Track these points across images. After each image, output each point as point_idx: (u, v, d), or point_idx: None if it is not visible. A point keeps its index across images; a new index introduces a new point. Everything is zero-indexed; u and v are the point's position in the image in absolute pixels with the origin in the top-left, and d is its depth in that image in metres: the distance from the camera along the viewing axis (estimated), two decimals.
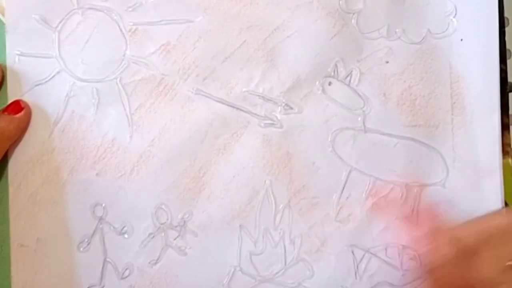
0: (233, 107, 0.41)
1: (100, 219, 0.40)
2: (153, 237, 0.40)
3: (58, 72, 0.40)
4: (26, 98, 0.39)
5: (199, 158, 0.41)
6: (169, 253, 0.40)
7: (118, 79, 0.40)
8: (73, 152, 0.40)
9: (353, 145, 0.42)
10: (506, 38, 0.44)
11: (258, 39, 0.42)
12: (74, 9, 0.40)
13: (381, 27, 0.43)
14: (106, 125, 0.40)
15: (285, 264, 0.41)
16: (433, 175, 0.43)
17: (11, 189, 0.39)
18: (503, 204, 0.43)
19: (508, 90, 0.44)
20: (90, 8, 0.40)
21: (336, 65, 0.43)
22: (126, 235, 0.40)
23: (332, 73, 0.42)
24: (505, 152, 0.44)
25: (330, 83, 0.42)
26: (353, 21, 0.43)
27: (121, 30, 0.41)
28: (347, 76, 0.43)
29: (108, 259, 0.40)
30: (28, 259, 0.39)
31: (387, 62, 0.43)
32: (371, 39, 0.43)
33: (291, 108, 0.41)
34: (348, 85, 0.43)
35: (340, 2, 0.43)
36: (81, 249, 0.39)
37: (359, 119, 0.42)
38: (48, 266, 0.39)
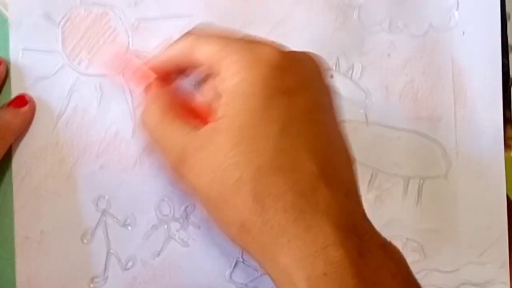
0: None
1: (104, 211, 0.40)
2: (156, 229, 0.40)
3: (61, 67, 0.40)
4: (30, 92, 0.39)
5: None
6: (172, 245, 0.40)
7: (121, 73, 0.40)
8: (77, 146, 0.40)
9: (355, 138, 0.42)
10: (508, 33, 0.44)
11: (259, 34, 0.41)
12: (77, 5, 0.40)
13: (382, 20, 0.43)
14: (109, 119, 0.40)
15: None
16: (435, 168, 0.43)
17: (15, 182, 0.39)
18: (506, 198, 0.43)
19: (510, 84, 0.44)
20: (93, 4, 0.41)
21: (338, 59, 0.43)
22: (129, 227, 0.40)
23: (334, 67, 0.43)
24: (507, 146, 0.44)
25: (332, 77, 0.42)
26: (354, 14, 0.43)
27: (123, 25, 0.41)
28: (349, 70, 0.43)
29: (111, 251, 0.40)
30: (32, 251, 0.39)
31: (389, 55, 0.43)
32: (373, 33, 0.43)
33: None
34: (350, 78, 0.43)
35: None
36: (85, 241, 0.39)
37: (361, 112, 0.42)
38: (52, 258, 0.39)
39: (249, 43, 0.32)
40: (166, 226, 0.40)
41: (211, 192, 0.30)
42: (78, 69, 0.40)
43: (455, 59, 0.44)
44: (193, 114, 0.35)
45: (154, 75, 0.36)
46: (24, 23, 0.40)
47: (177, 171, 0.32)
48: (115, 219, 0.40)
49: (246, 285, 0.41)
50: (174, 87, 0.37)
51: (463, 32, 0.44)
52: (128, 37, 0.41)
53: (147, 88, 0.36)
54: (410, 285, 0.29)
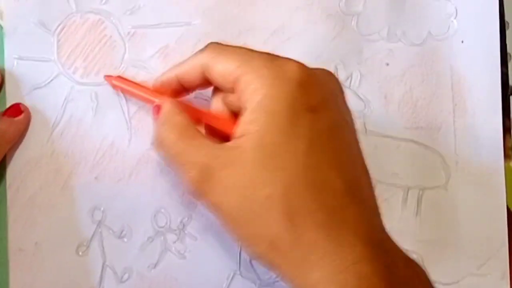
0: None
1: (99, 223, 0.39)
2: (152, 240, 0.39)
3: (56, 76, 0.40)
4: (25, 101, 0.39)
5: None
6: (168, 256, 0.39)
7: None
8: (72, 156, 0.39)
9: None
10: (507, 42, 0.44)
11: (257, 42, 0.41)
12: (72, 13, 0.40)
13: (381, 29, 0.43)
14: (105, 129, 0.40)
15: None
16: (435, 178, 0.43)
17: (9, 193, 0.39)
18: (506, 208, 0.43)
19: (509, 93, 0.44)
20: (88, 12, 0.40)
21: (336, 68, 0.42)
22: (125, 239, 0.39)
23: None
24: (506, 156, 0.43)
25: None
26: (353, 23, 0.43)
27: (119, 33, 0.41)
28: (347, 79, 0.43)
29: (107, 263, 0.39)
30: (27, 264, 0.38)
31: (388, 64, 0.43)
32: (371, 41, 0.43)
33: None
34: (349, 87, 0.42)
35: (340, 4, 0.43)
36: (80, 253, 0.39)
37: (360, 121, 0.42)
38: (47, 270, 0.38)
39: (269, 59, 0.32)
40: (162, 238, 0.40)
41: (239, 210, 0.30)
42: (73, 78, 0.40)
43: (454, 67, 0.44)
44: (210, 131, 0.34)
45: (167, 91, 0.36)
46: (19, 31, 0.40)
47: (198, 188, 0.31)
48: (110, 231, 0.39)
49: None
50: (189, 103, 0.37)
51: (462, 41, 0.44)
52: (124, 45, 0.41)
53: (161, 105, 0.35)
54: None
